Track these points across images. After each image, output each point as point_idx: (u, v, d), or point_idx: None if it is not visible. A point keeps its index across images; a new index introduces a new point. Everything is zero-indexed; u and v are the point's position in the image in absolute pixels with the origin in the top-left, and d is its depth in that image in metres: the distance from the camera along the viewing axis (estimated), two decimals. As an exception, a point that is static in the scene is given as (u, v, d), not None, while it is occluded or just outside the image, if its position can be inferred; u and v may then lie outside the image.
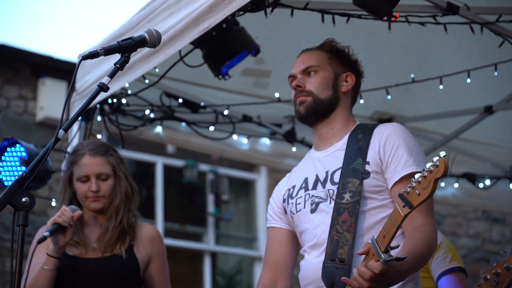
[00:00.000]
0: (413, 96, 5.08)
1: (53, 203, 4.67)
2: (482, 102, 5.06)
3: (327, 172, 3.02)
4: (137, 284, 3.55)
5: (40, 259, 3.45)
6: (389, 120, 5.30)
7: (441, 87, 4.62)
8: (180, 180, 10.07)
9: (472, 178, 5.78)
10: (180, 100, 4.90)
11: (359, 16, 3.77)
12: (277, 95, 4.95)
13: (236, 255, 10.46)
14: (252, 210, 10.51)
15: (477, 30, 3.81)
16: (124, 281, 3.49)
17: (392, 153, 2.93)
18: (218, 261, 10.48)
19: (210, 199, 10.28)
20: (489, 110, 5.06)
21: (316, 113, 3.10)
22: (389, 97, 4.82)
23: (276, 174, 9.97)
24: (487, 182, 5.80)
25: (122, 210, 3.56)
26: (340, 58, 3.20)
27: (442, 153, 2.42)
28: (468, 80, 4.52)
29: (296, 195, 3.09)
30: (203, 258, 10.08)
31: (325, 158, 3.09)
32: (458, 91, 4.90)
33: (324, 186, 3.00)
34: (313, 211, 3.00)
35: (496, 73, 4.38)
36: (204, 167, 10.16)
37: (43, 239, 3.31)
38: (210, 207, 10.27)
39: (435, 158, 2.41)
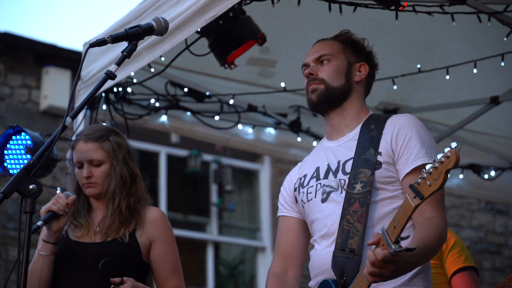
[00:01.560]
0: (419, 86, 5.06)
1: (58, 192, 4.68)
2: (488, 93, 5.03)
3: (338, 162, 3.01)
4: (140, 268, 3.50)
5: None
6: (394, 110, 5.28)
7: (447, 77, 4.61)
8: (183, 170, 10.06)
9: (477, 169, 5.76)
10: (186, 89, 4.89)
11: (366, 6, 3.75)
12: (282, 84, 4.93)
13: (239, 245, 10.46)
14: (256, 201, 10.50)
15: (484, 20, 3.79)
16: (123, 266, 3.39)
17: (404, 144, 2.92)
18: (221, 251, 10.48)
19: (214, 189, 10.27)
20: (495, 101, 5.03)
21: (329, 101, 3.09)
22: (395, 87, 4.81)
23: (280, 165, 9.96)
24: (492, 173, 5.78)
25: (119, 195, 3.52)
26: (354, 48, 3.18)
27: (454, 144, 2.40)
28: (475, 71, 4.49)
29: (307, 184, 3.08)
30: (206, 248, 10.09)
31: (337, 148, 3.07)
32: (464, 81, 4.88)
33: (335, 176, 2.99)
34: (324, 200, 2.99)
35: (503, 64, 4.35)
36: (207, 157, 10.15)
37: (36, 229, 3.27)
38: (214, 197, 10.26)
39: (447, 149, 2.40)
